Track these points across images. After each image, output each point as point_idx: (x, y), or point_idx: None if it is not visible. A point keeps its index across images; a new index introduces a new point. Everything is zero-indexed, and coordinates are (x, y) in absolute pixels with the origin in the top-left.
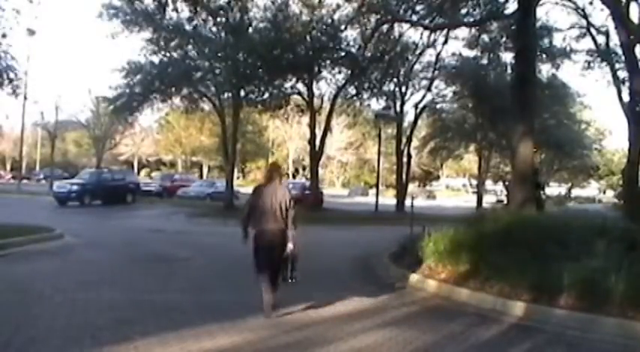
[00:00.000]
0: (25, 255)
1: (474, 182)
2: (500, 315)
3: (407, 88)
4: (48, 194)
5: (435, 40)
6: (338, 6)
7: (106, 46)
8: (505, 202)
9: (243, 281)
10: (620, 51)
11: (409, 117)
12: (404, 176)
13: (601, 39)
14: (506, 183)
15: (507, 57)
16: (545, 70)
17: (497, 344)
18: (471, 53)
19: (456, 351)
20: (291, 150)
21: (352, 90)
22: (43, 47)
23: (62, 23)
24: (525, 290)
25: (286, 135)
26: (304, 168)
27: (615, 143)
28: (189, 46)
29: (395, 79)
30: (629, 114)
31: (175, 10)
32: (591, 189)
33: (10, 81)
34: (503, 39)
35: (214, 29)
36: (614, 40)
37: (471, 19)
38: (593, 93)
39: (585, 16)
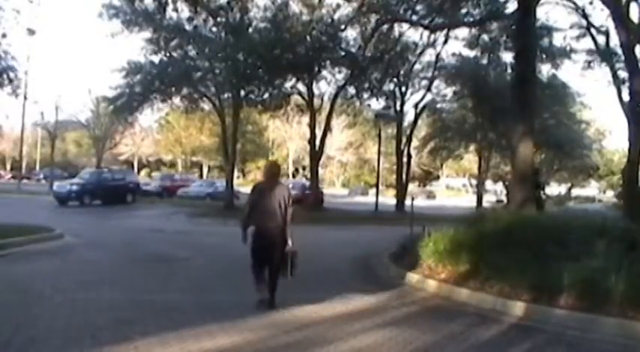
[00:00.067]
0: (25, 255)
1: (474, 182)
2: (500, 315)
3: (407, 88)
4: (48, 194)
5: (435, 40)
6: (338, 6)
7: (106, 46)
8: (505, 202)
9: (243, 281)
10: (620, 51)
11: (409, 117)
12: (404, 176)
13: (601, 39)
14: (506, 183)
15: (507, 57)
16: (545, 70)
17: (497, 344)
18: (471, 53)
19: (456, 351)
20: (291, 150)
21: (352, 90)
22: (43, 47)
23: (62, 23)
24: (525, 290)
25: (286, 135)
26: (304, 168)
27: (615, 143)
28: (189, 46)
29: (395, 79)
30: (629, 114)
31: (175, 10)
32: (591, 189)
33: (10, 81)
34: (503, 39)
35: (214, 29)
36: (614, 40)
37: (471, 19)
38: (593, 93)
39: (585, 16)
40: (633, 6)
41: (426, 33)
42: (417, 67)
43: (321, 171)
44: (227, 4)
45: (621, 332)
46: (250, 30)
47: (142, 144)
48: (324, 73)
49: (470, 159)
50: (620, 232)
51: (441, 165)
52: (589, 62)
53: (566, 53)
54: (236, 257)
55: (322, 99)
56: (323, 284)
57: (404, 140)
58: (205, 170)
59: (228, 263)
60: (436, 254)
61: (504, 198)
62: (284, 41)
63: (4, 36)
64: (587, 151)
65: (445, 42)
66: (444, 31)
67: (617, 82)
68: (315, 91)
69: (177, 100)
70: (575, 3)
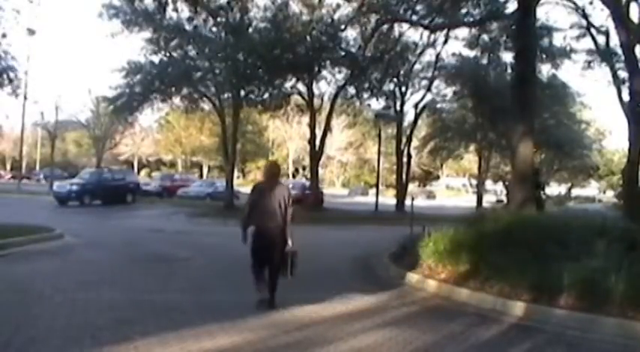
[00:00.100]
0: (25, 255)
1: (474, 182)
2: (500, 315)
3: (407, 88)
4: (48, 194)
5: (435, 40)
6: (338, 6)
7: (106, 46)
8: (505, 202)
9: (243, 281)
10: (620, 51)
11: (409, 117)
12: (404, 176)
13: (601, 39)
14: (506, 183)
15: (507, 57)
16: (545, 70)
17: (497, 344)
18: (471, 53)
19: (456, 351)
20: (291, 150)
21: (352, 90)
22: (43, 47)
23: (62, 23)
24: (525, 290)
25: (286, 135)
26: (304, 168)
27: (615, 143)
28: (189, 46)
29: (395, 79)
30: (629, 114)
31: (175, 10)
32: (591, 189)
33: (10, 81)
34: (503, 39)
35: (214, 29)
36: (614, 40)
37: (471, 19)
38: (593, 93)
39: (585, 16)
40: (633, 6)
41: (426, 33)
42: (417, 67)
43: (321, 171)
44: (227, 4)
45: (621, 332)
46: (250, 30)
47: (142, 144)
48: (324, 73)
49: (470, 159)
50: (620, 232)
51: (441, 165)
52: (589, 62)
53: (566, 53)
54: (236, 257)
55: (322, 99)
56: (323, 284)
57: (404, 140)
58: (205, 170)
59: (228, 263)
60: (436, 254)
61: (504, 198)
62: (284, 41)
63: (4, 36)
64: (587, 151)
65: (445, 42)
66: (444, 31)
67: (617, 82)
68: (315, 91)
69: (177, 100)
70: (575, 3)
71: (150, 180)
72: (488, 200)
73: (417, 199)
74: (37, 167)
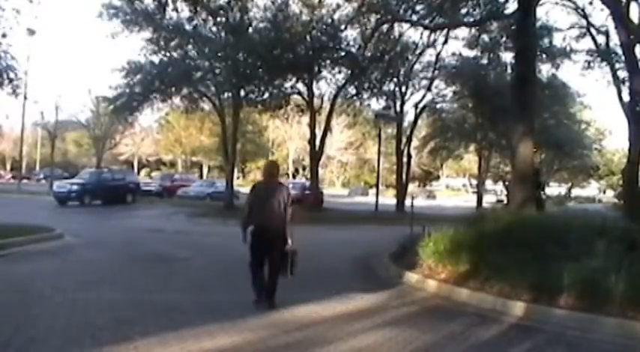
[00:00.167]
0: (25, 255)
1: (474, 182)
2: (500, 315)
3: (407, 88)
4: (48, 194)
5: (435, 40)
6: (338, 6)
7: (106, 46)
8: (505, 202)
9: (243, 281)
10: (620, 51)
11: (409, 117)
12: (404, 176)
13: (601, 39)
14: (506, 183)
15: (507, 57)
16: (545, 70)
17: (497, 344)
18: (471, 53)
19: (456, 351)
20: (291, 150)
21: (352, 90)
22: (43, 47)
23: (62, 23)
24: (525, 290)
25: (286, 135)
26: (304, 168)
27: (615, 143)
28: (189, 46)
29: (395, 79)
30: (629, 114)
31: (175, 10)
32: (591, 189)
33: (10, 81)
34: (503, 39)
35: (214, 29)
36: (614, 40)
37: (471, 19)
38: (593, 93)
39: (585, 16)
40: (633, 6)
41: (426, 33)
42: (417, 67)
43: (321, 171)
44: (227, 4)
45: (621, 332)
46: (250, 30)
47: (142, 144)
48: (324, 73)
49: (470, 159)
50: (620, 232)
51: (441, 165)
52: (589, 62)
53: (566, 53)
54: (236, 257)
55: (322, 99)
56: (323, 284)
57: (404, 140)
58: (205, 170)
59: (229, 263)
60: (436, 254)
61: (504, 198)
62: (284, 41)
63: (4, 36)
64: (587, 151)
65: (445, 42)
66: (444, 31)
67: (617, 82)
68: (315, 91)
69: (177, 100)
70: (575, 3)
71: (150, 180)
72: (488, 200)
73: (417, 199)
74: (37, 167)
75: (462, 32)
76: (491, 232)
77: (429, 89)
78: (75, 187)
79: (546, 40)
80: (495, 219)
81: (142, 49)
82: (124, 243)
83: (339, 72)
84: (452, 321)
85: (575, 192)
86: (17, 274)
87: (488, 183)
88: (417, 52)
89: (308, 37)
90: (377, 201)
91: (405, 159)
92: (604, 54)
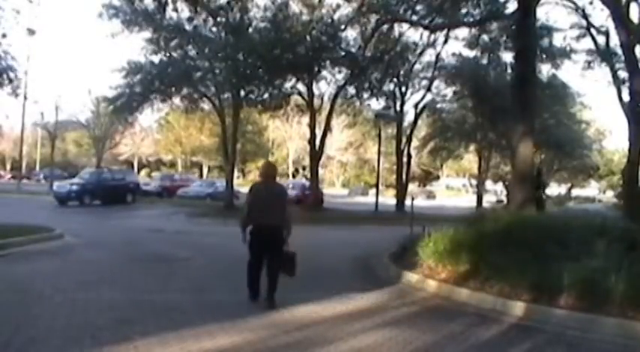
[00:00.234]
0: (25, 255)
1: (474, 182)
2: (500, 315)
3: (407, 88)
4: (48, 194)
5: (435, 40)
6: (338, 6)
7: (106, 46)
8: (505, 202)
9: (243, 281)
10: (620, 51)
11: (409, 117)
12: (404, 176)
13: (601, 39)
14: (506, 183)
15: (507, 57)
16: (545, 70)
17: (497, 344)
18: (471, 53)
19: (456, 351)
20: (291, 150)
21: (352, 90)
22: (43, 47)
23: (62, 23)
24: (525, 290)
25: (286, 135)
26: (304, 168)
27: (615, 143)
28: (189, 46)
29: (395, 79)
30: (629, 114)
31: (175, 10)
32: (591, 189)
33: (10, 81)
34: (503, 39)
35: (214, 29)
36: (614, 40)
37: (471, 19)
38: (593, 93)
39: (585, 16)
40: (633, 6)
41: (426, 33)
42: (417, 67)
43: (321, 171)
44: (227, 4)
45: (621, 332)
46: (250, 30)
47: (142, 144)
48: (324, 73)
49: (470, 159)
50: (620, 232)
51: (441, 165)
52: (589, 62)
53: (566, 53)
54: (236, 257)
55: (322, 99)
56: (323, 284)
57: (404, 140)
58: (205, 170)
59: (228, 263)
60: (436, 254)
61: (504, 198)
62: (284, 41)
63: (4, 36)
64: (587, 151)
65: (445, 42)
66: (444, 31)
67: (617, 82)
68: (315, 91)
69: (177, 100)
70: (575, 3)
71: (150, 180)
72: (488, 200)
73: (417, 199)
74: (37, 167)
75: (462, 32)
76: (491, 232)
77: (429, 89)
78: (75, 187)
79: (546, 40)
80: (495, 219)
81: (142, 49)
82: (124, 243)
83: (339, 72)
84: (452, 321)
85: (575, 192)
86: (17, 274)
87: (489, 183)
88: (417, 52)
89: (308, 37)
90: (377, 201)
91: (405, 159)
92: (604, 54)
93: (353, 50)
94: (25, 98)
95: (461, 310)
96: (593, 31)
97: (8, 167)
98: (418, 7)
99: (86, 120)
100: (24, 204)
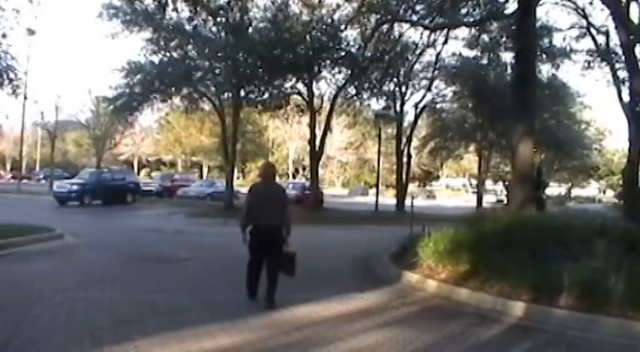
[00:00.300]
0: (25, 255)
1: (474, 182)
2: (500, 315)
3: (407, 88)
4: (48, 194)
5: (435, 40)
6: (338, 6)
7: (106, 46)
8: (505, 202)
9: (243, 282)
10: (620, 51)
11: (409, 117)
12: (404, 176)
13: (601, 39)
14: (506, 183)
15: (507, 57)
16: (545, 70)
17: (497, 344)
18: (471, 53)
19: (456, 351)
20: (291, 150)
21: (352, 91)
22: (43, 47)
23: (62, 23)
24: (525, 290)
25: (286, 135)
26: (304, 168)
27: (615, 143)
28: (189, 46)
29: (395, 79)
30: (629, 114)
31: (175, 10)
32: (591, 189)
33: (10, 81)
34: (503, 39)
35: (214, 29)
36: (614, 40)
37: (471, 19)
38: (593, 93)
39: (585, 16)
40: (633, 6)
41: (426, 33)
42: (417, 67)
43: (321, 171)
44: (227, 4)
45: (621, 332)
46: (250, 30)
47: (142, 144)
48: (324, 73)
49: (470, 159)
50: (620, 232)
51: (441, 165)
52: (589, 62)
53: (566, 53)
54: (236, 257)
55: (322, 99)
56: (323, 284)
57: (404, 140)
58: (205, 170)
59: (229, 263)
60: (436, 254)
61: (504, 198)
62: (284, 41)
63: (4, 36)
64: (587, 151)
65: (445, 42)
66: (444, 31)
67: (617, 82)
68: (315, 91)
69: (177, 100)
70: (575, 3)
71: (150, 179)
72: (488, 200)
73: (417, 199)
74: (37, 167)
75: (462, 32)
76: (491, 232)
77: (429, 89)
78: (75, 187)
79: (546, 40)
80: (495, 219)
81: (142, 49)
82: (124, 243)
83: (339, 72)
84: (452, 321)
85: (575, 192)
86: (17, 274)
87: (489, 183)
88: (417, 52)
89: (308, 37)
90: (377, 201)
91: (405, 159)
92: (604, 54)
93: (353, 50)
94: (25, 98)
95: (461, 310)
96: (593, 31)
97: (8, 167)
98: (418, 7)
99: (86, 120)
100: (24, 204)
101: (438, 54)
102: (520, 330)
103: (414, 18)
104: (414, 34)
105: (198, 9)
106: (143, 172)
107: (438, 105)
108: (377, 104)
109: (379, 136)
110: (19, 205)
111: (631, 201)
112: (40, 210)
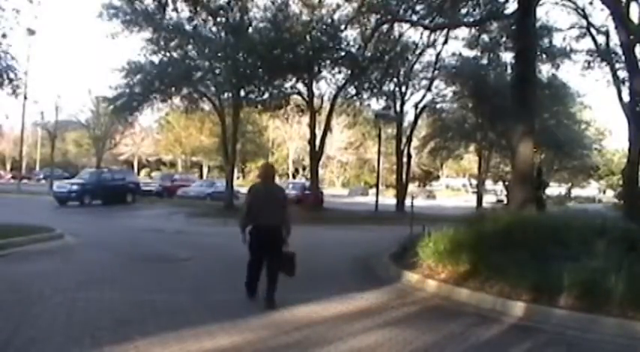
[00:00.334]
0: (25, 255)
1: (474, 182)
2: (500, 315)
3: (407, 88)
4: (48, 194)
5: (435, 40)
6: (338, 6)
7: (106, 46)
8: (505, 202)
9: (243, 281)
10: (620, 51)
11: (409, 117)
12: (404, 176)
13: (601, 39)
14: (506, 183)
15: (507, 57)
16: (545, 70)
17: (497, 344)
18: (471, 53)
19: (456, 351)
20: (291, 150)
21: (352, 91)
22: (43, 47)
23: (62, 23)
24: (525, 290)
25: (286, 135)
26: (304, 168)
27: (615, 143)
28: (189, 46)
29: (395, 79)
30: (629, 114)
31: (175, 10)
32: (591, 189)
33: (10, 81)
34: (503, 39)
35: (214, 29)
36: (614, 40)
37: (471, 19)
38: (593, 93)
39: (585, 16)
40: (633, 6)
41: (426, 33)
42: (417, 67)
43: (321, 171)
44: (227, 4)
45: (621, 332)
46: (250, 30)
47: (142, 144)
48: (324, 73)
49: (470, 159)
50: (620, 232)
51: (441, 165)
52: (589, 62)
53: (566, 53)
54: (236, 257)
55: (322, 99)
56: (323, 284)
57: (404, 140)
58: (205, 170)
59: (229, 263)
60: (436, 254)
61: (504, 198)
62: (284, 41)
63: (4, 36)
64: (587, 151)
65: (445, 42)
66: (444, 31)
67: (617, 82)
68: (315, 91)
69: (177, 100)
70: (575, 3)
71: (150, 180)
72: (488, 200)
73: (417, 199)
74: (37, 167)
75: (462, 32)
76: (491, 232)
77: (429, 89)
78: (75, 187)
79: (546, 40)
80: (495, 219)
81: (142, 49)
82: (124, 243)
83: (339, 72)
84: (452, 321)
85: (575, 192)
86: (17, 274)
87: (488, 183)
88: (417, 52)
89: (308, 37)
90: (377, 201)
91: (405, 159)
92: (604, 54)
93: (353, 50)
94: (25, 98)
95: (461, 310)
96: (593, 31)
97: (8, 167)
98: (418, 7)
99: (86, 120)
100: (24, 204)
101: (438, 54)
102: (520, 330)
103: (414, 18)
104: (414, 34)
105: (198, 9)
106: (143, 172)
107: (438, 105)
108: (377, 104)
109: (379, 136)
110: (19, 205)
111: (631, 201)
112: (40, 210)
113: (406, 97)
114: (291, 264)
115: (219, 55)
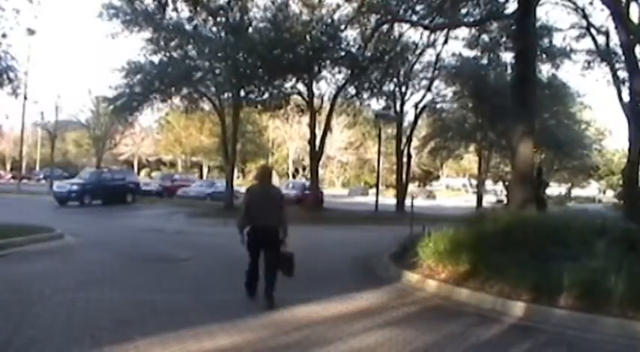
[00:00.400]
0: (25, 255)
1: (474, 182)
2: (500, 315)
3: (407, 88)
4: (48, 194)
5: (435, 40)
6: (338, 6)
7: (106, 46)
8: (505, 202)
9: (243, 281)
10: (620, 51)
11: (409, 117)
12: (404, 176)
13: (601, 39)
14: (506, 183)
15: (507, 57)
16: (545, 70)
17: (497, 344)
18: (471, 53)
19: (456, 351)
20: (291, 150)
21: (352, 91)
22: (43, 47)
23: (62, 23)
24: (525, 290)
25: (286, 135)
26: (304, 168)
27: (615, 143)
28: (189, 46)
29: (395, 79)
30: (629, 114)
31: (175, 10)
32: (591, 189)
33: (10, 81)
34: (503, 39)
35: (214, 29)
36: (614, 40)
37: (471, 19)
38: (593, 93)
39: (585, 16)
40: (633, 6)
41: (426, 33)
42: (417, 67)
43: (321, 171)
44: (227, 4)
45: (621, 332)
46: (250, 30)
47: (142, 144)
48: (324, 73)
49: (470, 159)
50: (620, 232)
51: (441, 165)
52: (589, 62)
53: (566, 53)
54: (236, 257)
55: (322, 99)
56: (323, 284)
57: (404, 140)
58: (205, 170)
59: (228, 263)
60: (436, 254)
61: (504, 198)
62: (284, 41)
63: (4, 36)
64: (587, 151)
65: (445, 42)
66: (444, 31)
67: (617, 82)
68: (315, 91)
69: (177, 100)
70: (575, 3)
71: (150, 180)
72: (488, 200)
73: (417, 199)
74: (37, 167)
75: (462, 32)
76: (491, 232)
77: (429, 89)
78: (75, 187)
79: (546, 40)
80: (495, 219)
81: (142, 49)
82: (124, 243)
83: (339, 72)
84: (452, 321)
85: (575, 192)
86: (17, 274)
87: (488, 183)
88: (417, 52)
89: (308, 37)
90: (377, 201)
91: (405, 159)
92: (604, 54)
93: (353, 50)
94: (25, 98)
95: (461, 310)
96: (593, 31)
97: (8, 167)
98: (418, 7)
99: (86, 120)
100: (24, 204)
101: (438, 54)
102: (520, 330)
103: (414, 18)
104: (414, 34)
105: (198, 9)
106: (143, 172)
107: (438, 105)
108: (377, 104)
109: (379, 136)
110: (19, 205)
111: (631, 201)
112: (40, 210)
113: (406, 97)
114: (290, 265)
115: (219, 55)
